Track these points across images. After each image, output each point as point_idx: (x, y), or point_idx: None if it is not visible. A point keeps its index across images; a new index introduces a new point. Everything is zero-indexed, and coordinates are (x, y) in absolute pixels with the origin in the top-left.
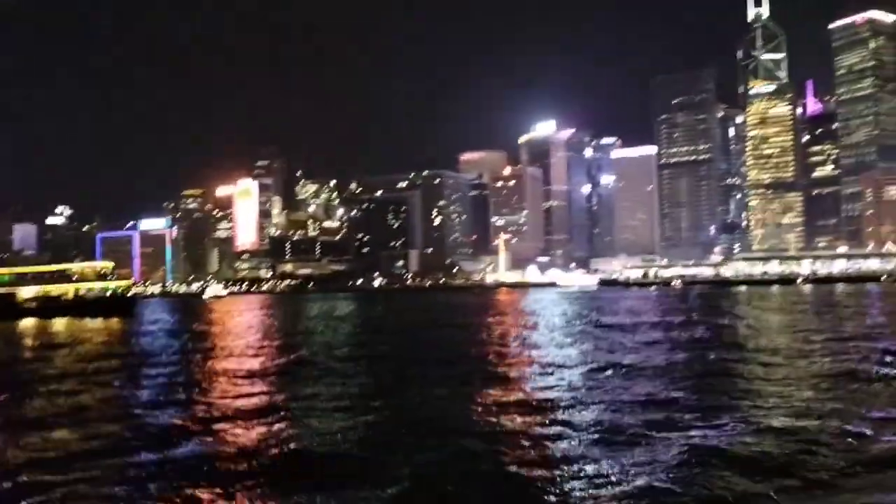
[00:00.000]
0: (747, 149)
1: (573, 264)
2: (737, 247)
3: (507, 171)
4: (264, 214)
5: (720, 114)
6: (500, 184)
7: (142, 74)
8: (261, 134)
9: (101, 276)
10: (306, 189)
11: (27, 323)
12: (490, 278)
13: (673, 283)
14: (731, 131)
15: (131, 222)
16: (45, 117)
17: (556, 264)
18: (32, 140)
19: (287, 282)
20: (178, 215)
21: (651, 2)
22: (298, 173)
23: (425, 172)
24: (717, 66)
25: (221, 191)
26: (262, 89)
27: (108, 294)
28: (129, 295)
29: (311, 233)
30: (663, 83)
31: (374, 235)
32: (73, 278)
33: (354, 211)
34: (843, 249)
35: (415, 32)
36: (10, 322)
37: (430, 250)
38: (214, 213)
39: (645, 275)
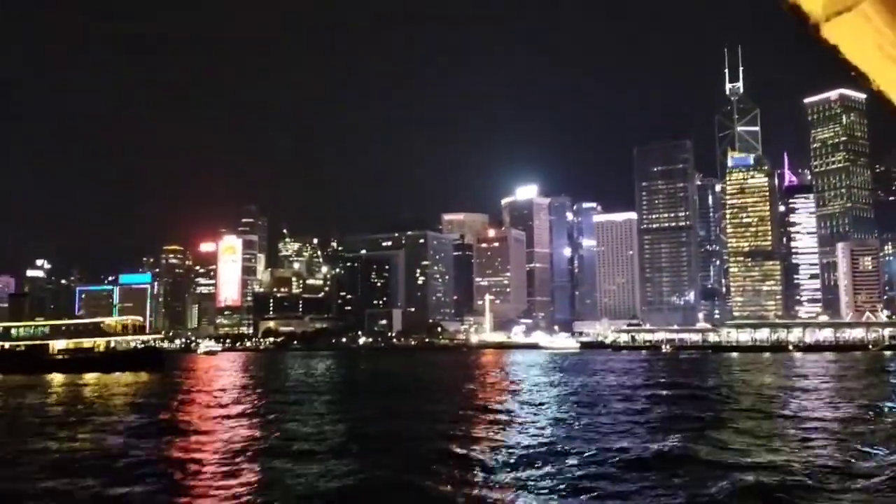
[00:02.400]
0: (727, 217)
1: (556, 326)
2: (716, 313)
3: (492, 233)
4: (247, 271)
5: (698, 182)
6: (484, 245)
7: (123, 130)
8: (242, 192)
9: (133, 330)
10: (289, 247)
11: (58, 377)
12: (474, 338)
13: (663, 348)
14: (710, 199)
15: (111, 276)
16: (20, 169)
17: (538, 326)
18: (10, 192)
19: (271, 339)
20: (157, 270)
21: (632, 74)
22: (284, 230)
23: (409, 232)
24: (696, 136)
25: (204, 247)
26: (243, 148)
27: (138, 347)
28: (157, 348)
29: (295, 290)
30: (644, 152)
31: (358, 294)
32: (105, 331)
33: (338, 269)
34: (824, 318)
35: (398, 90)
36: (40, 375)
37: (412, 309)
38: (196, 268)
39: (633, 338)
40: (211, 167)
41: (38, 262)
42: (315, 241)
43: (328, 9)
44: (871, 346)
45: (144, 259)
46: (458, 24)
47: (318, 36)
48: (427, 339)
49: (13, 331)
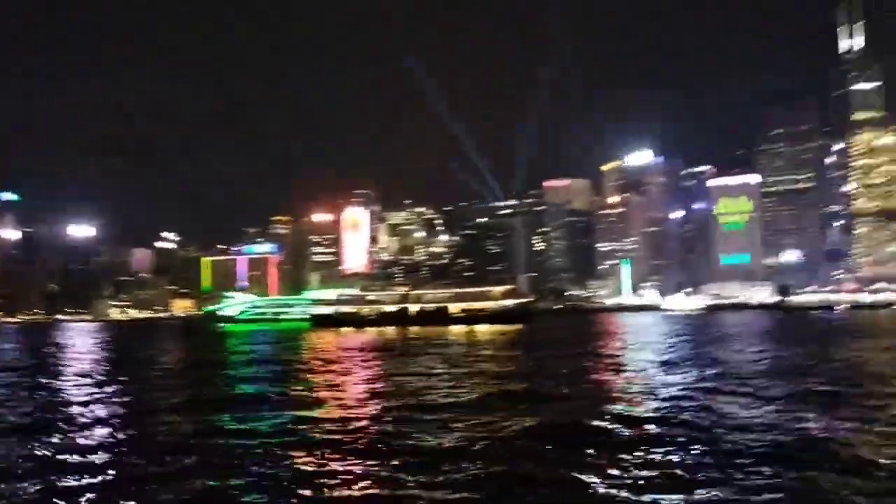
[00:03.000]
0: (853, 178)
1: (691, 288)
2: (838, 273)
3: (615, 198)
4: (371, 240)
5: (819, 143)
6: (606, 211)
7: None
8: (349, 166)
9: (507, 295)
10: (407, 217)
11: (457, 328)
12: (608, 301)
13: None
14: (829, 160)
15: (239, 246)
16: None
17: (668, 289)
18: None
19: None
20: (267, 240)
21: (743, 31)
22: (408, 201)
23: (528, 200)
24: (814, 96)
25: (316, 217)
26: (352, 123)
27: (511, 307)
28: (528, 307)
29: (419, 258)
30: (764, 114)
31: (477, 260)
32: (489, 297)
33: (457, 237)
34: None
35: (486, 59)
36: (445, 326)
37: (535, 274)
38: (310, 238)
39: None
40: (322, 141)
41: (165, 235)
42: (429, 210)
43: None
44: None
45: (252, 230)
46: None
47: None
48: (560, 305)
49: (424, 296)
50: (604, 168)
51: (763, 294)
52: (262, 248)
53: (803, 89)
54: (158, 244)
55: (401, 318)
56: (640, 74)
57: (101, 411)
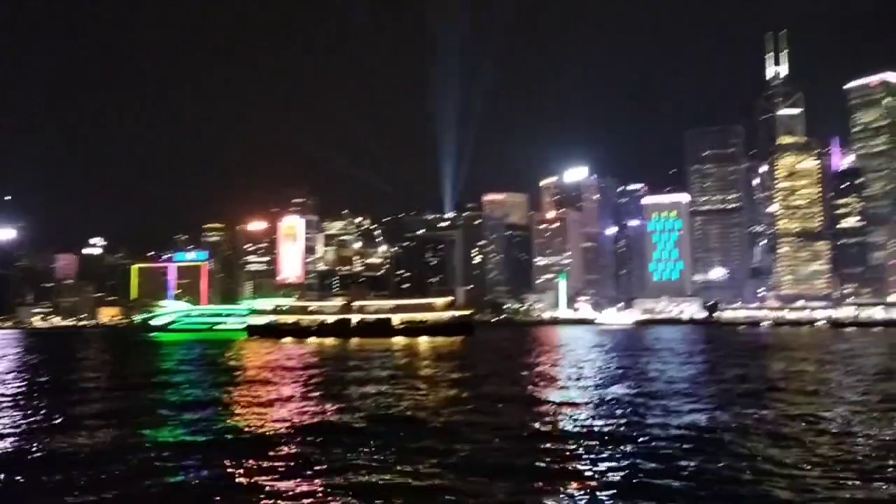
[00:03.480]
0: (776, 199)
1: (622, 303)
2: (761, 291)
3: (551, 214)
4: (308, 250)
5: (745, 165)
6: (543, 226)
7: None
8: (284, 172)
9: (449, 307)
10: (344, 227)
11: (399, 340)
12: (544, 315)
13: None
14: (755, 182)
15: (169, 254)
16: (69, 149)
17: (600, 303)
18: (62, 172)
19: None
20: (198, 248)
21: (677, 59)
22: (345, 211)
23: (466, 213)
24: (739, 120)
25: (253, 226)
26: (286, 127)
27: (454, 319)
28: (469, 319)
29: (356, 268)
30: (695, 136)
31: (415, 272)
32: (432, 308)
33: (396, 248)
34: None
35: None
36: (388, 338)
37: (472, 287)
38: (245, 247)
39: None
40: (251, 149)
41: (92, 241)
42: (367, 221)
43: None
44: None
45: (184, 237)
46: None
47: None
48: (494, 317)
49: (366, 308)
50: (542, 183)
51: (693, 309)
52: (194, 255)
53: (732, 113)
54: (85, 250)
55: (342, 329)
56: (576, 93)
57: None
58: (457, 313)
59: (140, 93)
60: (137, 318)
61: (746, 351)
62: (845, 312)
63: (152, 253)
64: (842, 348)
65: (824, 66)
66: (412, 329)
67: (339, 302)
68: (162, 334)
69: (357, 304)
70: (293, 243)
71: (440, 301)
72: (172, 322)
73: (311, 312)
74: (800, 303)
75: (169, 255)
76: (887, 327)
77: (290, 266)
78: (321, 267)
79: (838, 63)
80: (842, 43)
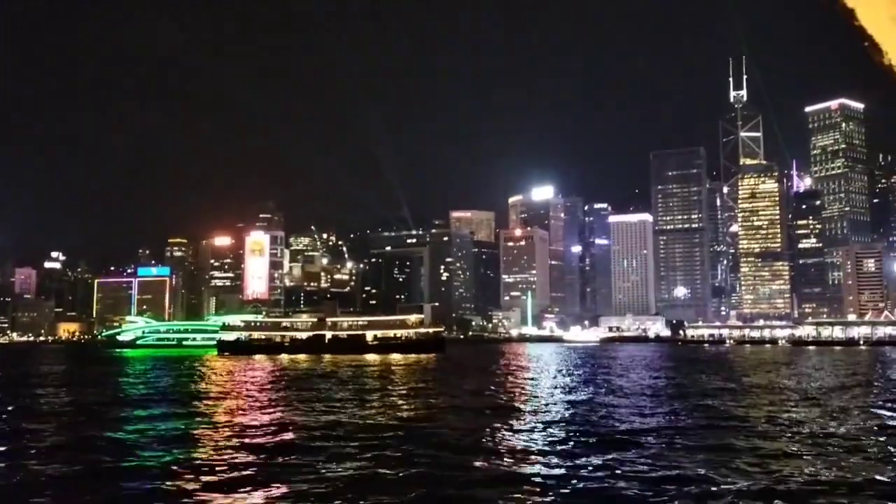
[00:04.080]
0: (738, 220)
1: (587, 322)
2: (722, 309)
3: (518, 232)
4: (274, 265)
5: (708, 186)
6: (511, 243)
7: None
8: (250, 187)
9: (422, 324)
10: (311, 243)
11: (372, 356)
12: (512, 332)
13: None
14: (717, 202)
15: (132, 269)
16: (32, 163)
17: (565, 321)
18: (26, 185)
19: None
20: (162, 263)
21: (642, 81)
22: (312, 228)
23: (433, 230)
24: (702, 142)
25: (219, 241)
26: (252, 143)
27: (426, 336)
28: (440, 336)
29: (323, 284)
30: (659, 158)
31: (382, 289)
32: (406, 325)
33: (362, 265)
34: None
35: (404, 87)
36: (361, 354)
37: (437, 304)
38: (210, 262)
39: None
40: (217, 164)
41: (54, 255)
42: (332, 237)
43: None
44: None
45: (147, 251)
46: (470, 26)
47: (322, 31)
48: (461, 334)
49: (339, 324)
50: (509, 201)
51: (658, 327)
52: (157, 270)
53: (696, 135)
54: (46, 264)
55: (315, 345)
56: (543, 113)
57: None
58: (429, 330)
59: (102, 105)
60: (103, 333)
61: (712, 366)
62: (806, 331)
63: (114, 267)
64: (807, 363)
65: (784, 90)
66: (385, 345)
67: (311, 318)
68: (129, 350)
69: (330, 320)
70: (259, 259)
71: (413, 318)
72: (139, 338)
73: (284, 329)
74: (760, 321)
75: (131, 270)
76: (847, 346)
77: (256, 282)
78: (287, 283)
79: (798, 87)
80: (801, 67)
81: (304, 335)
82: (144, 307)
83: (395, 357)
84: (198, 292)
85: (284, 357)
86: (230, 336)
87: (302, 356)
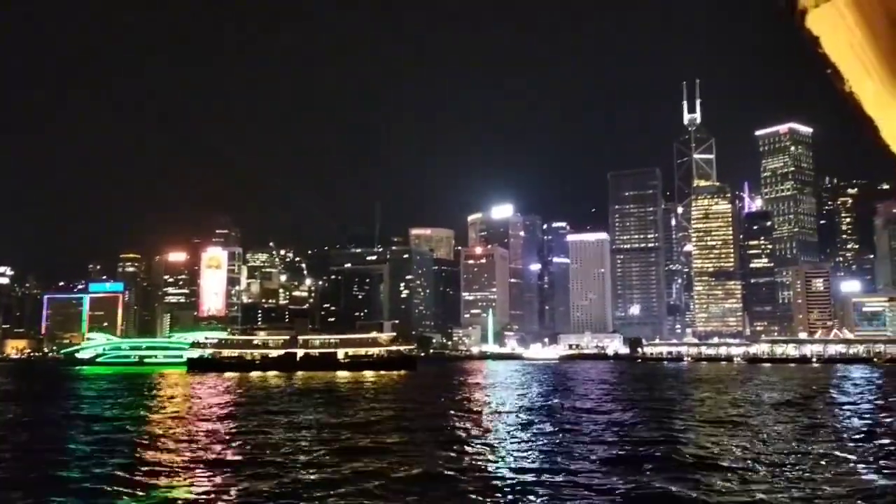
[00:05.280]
0: (692, 240)
1: (546, 339)
2: (677, 327)
3: (479, 250)
4: (231, 282)
5: (663, 206)
6: (471, 261)
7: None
8: (206, 203)
9: (394, 342)
10: (268, 259)
11: (344, 374)
12: (473, 349)
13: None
14: (672, 222)
15: (83, 284)
16: None
17: (525, 338)
18: None
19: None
20: (114, 279)
21: (598, 105)
22: (271, 243)
23: (393, 247)
24: (658, 164)
25: (173, 256)
26: (207, 158)
27: (398, 354)
28: (412, 354)
29: (282, 301)
30: (616, 178)
31: (341, 306)
32: (378, 343)
33: (321, 282)
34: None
35: (361, 110)
36: (333, 372)
37: (397, 321)
38: (165, 278)
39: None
40: (171, 178)
41: (1, 269)
42: (289, 253)
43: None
44: (875, 360)
45: (98, 267)
46: (433, 45)
47: (284, 45)
48: (422, 351)
49: (311, 342)
50: (469, 219)
51: (616, 344)
52: (110, 286)
53: (653, 156)
54: None
55: (287, 363)
56: (502, 132)
57: None
58: (401, 348)
59: (51, 117)
60: (62, 350)
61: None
62: (761, 348)
63: (63, 283)
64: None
65: (736, 113)
66: (357, 363)
67: (283, 336)
68: (88, 368)
69: (302, 338)
70: (216, 274)
71: (384, 336)
72: (100, 355)
73: (255, 346)
74: (715, 339)
75: (82, 286)
76: (800, 363)
77: (213, 298)
78: (245, 300)
79: (749, 111)
80: (754, 90)
81: (275, 353)
82: (96, 324)
83: (366, 374)
84: (151, 309)
85: (256, 375)
86: (200, 353)
87: (273, 373)
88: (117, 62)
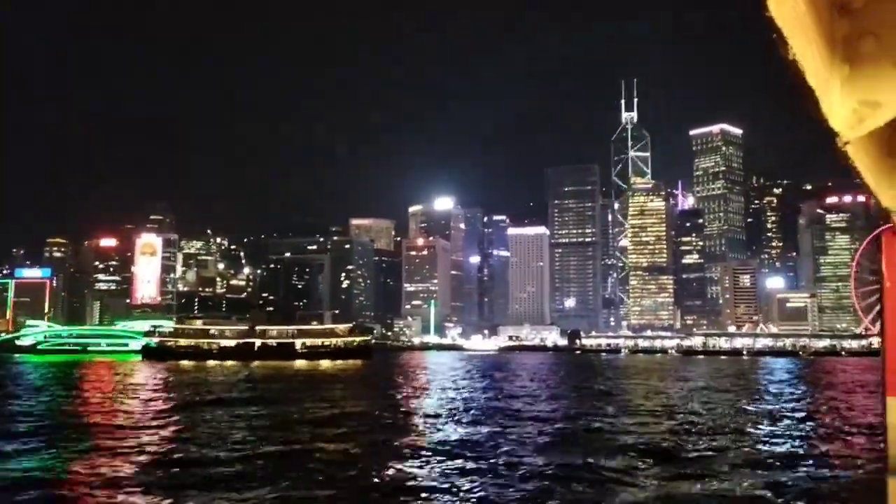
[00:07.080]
0: (628, 235)
1: (486, 331)
2: (611, 320)
3: (420, 241)
4: (166, 269)
5: (601, 202)
6: (413, 252)
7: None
8: (139, 188)
9: (351, 333)
10: (204, 246)
11: (301, 363)
12: (415, 340)
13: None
14: (608, 217)
15: (6, 269)
16: None
17: (465, 330)
18: None
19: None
20: (39, 264)
21: (540, 99)
22: (209, 231)
23: (335, 238)
24: (596, 160)
25: (104, 242)
26: (146, 144)
27: (353, 345)
28: (368, 344)
29: (219, 290)
30: (556, 173)
31: (280, 296)
32: (336, 334)
33: (260, 270)
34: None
35: (304, 98)
36: (290, 361)
37: (337, 312)
38: (95, 264)
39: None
40: (102, 161)
41: None
42: (221, 240)
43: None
44: (801, 353)
45: (23, 252)
46: (379, 33)
47: (233, 29)
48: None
49: (269, 332)
50: (410, 210)
51: (554, 336)
52: (35, 272)
53: (591, 152)
54: None
55: (244, 353)
56: (443, 125)
57: None
58: (357, 339)
59: None
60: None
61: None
62: (694, 341)
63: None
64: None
65: (672, 112)
66: (314, 353)
67: (241, 326)
68: (30, 356)
69: (259, 328)
70: (149, 262)
71: (342, 327)
72: (40, 343)
73: (212, 336)
74: (649, 332)
75: (7, 271)
76: (731, 356)
77: (146, 286)
78: (181, 288)
79: (685, 111)
80: (689, 89)
81: (233, 342)
82: (21, 310)
83: (323, 364)
84: (80, 296)
85: (212, 363)
86: (153, 341)
87: (230, 363)
88: (40, 37)
